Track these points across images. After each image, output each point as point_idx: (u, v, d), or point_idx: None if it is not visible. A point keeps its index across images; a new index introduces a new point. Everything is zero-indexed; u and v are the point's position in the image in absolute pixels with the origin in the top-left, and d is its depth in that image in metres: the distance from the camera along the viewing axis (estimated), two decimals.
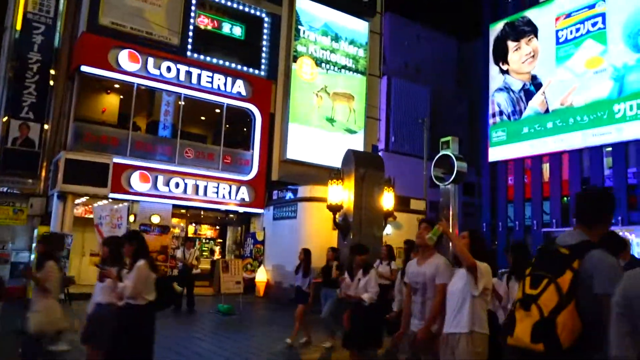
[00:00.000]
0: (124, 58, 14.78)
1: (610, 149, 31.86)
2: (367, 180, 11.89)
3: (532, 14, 37.60)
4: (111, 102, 16.55)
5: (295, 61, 16.88)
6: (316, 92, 17.08)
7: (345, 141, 16.68)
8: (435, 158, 13.96)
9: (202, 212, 17.28)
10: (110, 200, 14.05)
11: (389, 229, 13.43)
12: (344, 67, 17.79)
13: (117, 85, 15.92)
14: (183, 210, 16.90)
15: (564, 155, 34.44)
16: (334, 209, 11.93)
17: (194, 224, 18.46)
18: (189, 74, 15.69)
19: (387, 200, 12.16)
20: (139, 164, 14.78)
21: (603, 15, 32.70)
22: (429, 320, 3.72)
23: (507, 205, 37.92)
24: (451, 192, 14.21)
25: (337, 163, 13.07)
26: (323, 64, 17.42)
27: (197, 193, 15.48)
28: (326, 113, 17.18)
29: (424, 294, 3.86)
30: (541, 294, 2.26)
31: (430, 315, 3.75)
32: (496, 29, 40.32)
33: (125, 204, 13.26)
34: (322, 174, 14.65)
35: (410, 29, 43.39)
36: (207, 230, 18.86)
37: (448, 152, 13.97)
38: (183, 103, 15.93)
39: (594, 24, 33.21)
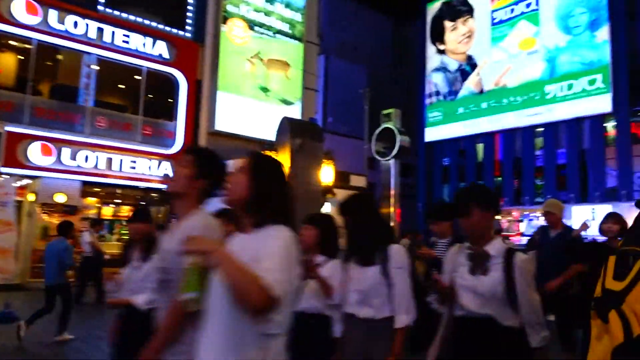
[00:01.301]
0: (21, 8, 12.57)
1: (541, 129, 32.34)
2: (303, 152, 10.60)
3: None
4: (7, 61, 14.19)
5: (225, 22, 15.19)
6: (249, 58, 15.53)
7: (281, 112, 15.29)
8: (377, 131, 12.79)
9: (118, 191, 15.37)
10: (2, 176, 11.94)
11: (328, 207, 12.24)
12: (280, 31, 16.30)
13: (12, 42, 13.61)
14: (97, 189, 14.94)
15: (497, 136, 34.74)
16: None
17: (112, 205, 16.45)
18: (100, 31, 13.67)
19: (326, 174, 10.96)
20: (39, 133, 12.71)
21: None
22: None
23: (442, 186, 37.99)
24: (392, 169, 13.11)
25: (272, 136, 11.69)
26: (256, 27, 15.85)
27: (110, 168, 13.59)
28: (260, 81, 15.68)
29: None
30: (630, 288, 1.22)
31: None
32: (433, 8, 39.93)
33: (8, 177, 11.22)
34: (255, 148, 13.22)
35: (348, 7, 42.29)
36: (128, 212, 16.91)
37: (390, 125, 12.77)
38: (94, 65, 13.90)
39: (527, 5, 33.38)
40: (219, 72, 14.89)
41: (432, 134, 38.03)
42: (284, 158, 10.55)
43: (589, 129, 30.17)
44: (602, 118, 29.48)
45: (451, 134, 36.56)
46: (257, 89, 15.60)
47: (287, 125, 10.80)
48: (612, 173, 29.21)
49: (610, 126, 29.44)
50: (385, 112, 13.83)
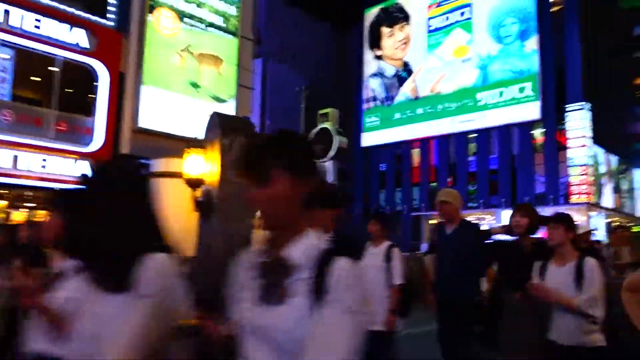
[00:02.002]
0: None
1: (474, 135, 33.04)
2: (236, 150, 9.75)
3: (405, 1, 37.91)
4: None
5: (152, 12, 14.08)
6: (179, 51, 14.48)
7: (213, 110, 14.32)
8: (313, 131, 12.10)
9: (29, 193, 13.82)
10: None
11: None
12: (212, 25, 15.35)
13: None
14: (5, 191, 13.35)
15: (432, 141, 35.21)
16: (194, 184, 9.62)
17: (23, 209, 14.82)
18: (6, 13, 12.20)
19: None
20: None
21: (470, 5, 33.73)
22: None
23: (379, 192, 38.05)
24: (329, 172, 12.45)
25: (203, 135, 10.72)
26: (187, 19, 14.83)
27: (16, 167, 12.12)
28: (190, 77, 14.66)
29: None
30: None
31: None
32: (371, 14, 40.17)
33: None
34: (182, 147, 12.17)
35: (287, 12, 41.74)
36: (44, 217, 15.27)
37: (327, 126, 12.09)
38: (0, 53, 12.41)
39: (462, 14, 34.16)
40: (144, 65, 13.76)
41: (369, 139, 38.12)
42: (213, 157, 9.67)
43: (519, 136, 31.14)
44: (530, 125, 30.49)
45: (388, 139, 36.77)
46: (187, 85, 14.58)
47: (217, 122, 9.91)
48: (539, 179, 30.24)
49: (538, 133, 30.51)
50: (322, 111, 13.18)
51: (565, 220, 3.15)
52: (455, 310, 4.13)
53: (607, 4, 34.12)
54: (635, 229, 26.07)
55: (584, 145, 27.90)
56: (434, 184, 34.24)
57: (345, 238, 2.88)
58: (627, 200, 34.37)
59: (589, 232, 7.14)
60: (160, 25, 14.39)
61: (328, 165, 12.64)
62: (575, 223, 3.23)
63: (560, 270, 3.08)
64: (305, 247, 1.23)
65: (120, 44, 13.94)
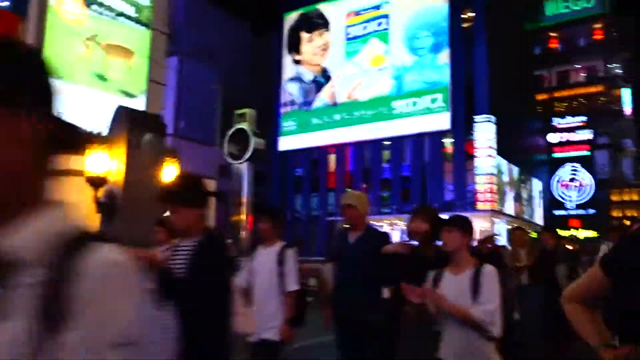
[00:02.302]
0: None
1: (388, 142, 33.89)
2: (142, 147, 9.09)
3: (324, 7, 38.19)
4: None
5: None
6: (84, 40, 13.44)
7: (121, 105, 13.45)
8: (229, 132, 11.62)
9: None
10: None
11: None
12: (122, 14, 14.43)
13: None
14: None
15: (349, 148, 35.71)
16: (97, 183, 8.87)
17: None
18: None
19: (169, 174, 9.54)
20: None
21: (387, 16, 34.63)
22: None
23: (295, 196, 37.94)
24: (245, 174, 12.05)
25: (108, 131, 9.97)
26: (94, 6, 13.83)
27: None
28: (96, 68, 13.66)
29: None
30: None
31: None
32: (291, 18, 40.11)
33: None
34: (87, 144, 11.23)
35: (205, 11, 40.62)
36: None
37: (244, 126, 11.68)
38: None
39: (379, 24, 34.99)
40: (44, 52, 12.65)
41: (286, 143, 37.91)
42: (118, 154, 8.96)
43: (430, 145, 32.36)
44: (441, 135, 31.79)
45: (305, 144, 36.79)
46: (93, 76, 13.58)
47: (124, 116, 9.22)
48: (448, 186, 31.59)
49: (448, 143, 31.87)
50: (239, 111, 12.73)
51: (460, 223, 2.85)
52: (352, 327, 3.69)
53: (513, 23, 36.52)
54: (533, 234, 27.90)
55: (489, 156, 29.44)
56: (350, 189, 34.67)
57: (212, 238, 2.40)
58: (527, 208, 36.75)
59: (492, 236, 7.29)
60: (64, 9, 13.30)
61: (244, 169, 12.20)
62: (471, 226, 2.93)
63: (455, 278, 2.74)
64: (38, 231, 0.70)
65: (16, 28, 12.69)
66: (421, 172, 32.35)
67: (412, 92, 32.58)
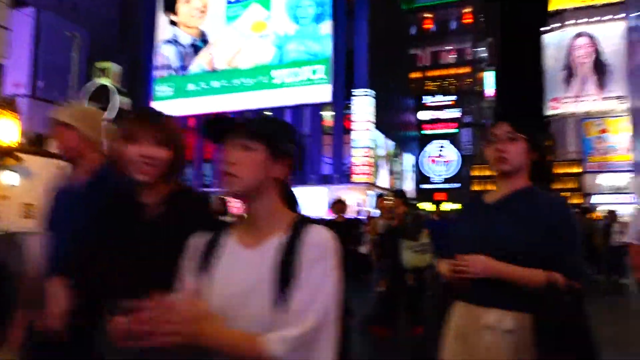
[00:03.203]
0: None
1: (269, 113, 33.18)
2: None
3: None
4: None
5: None
6: None
7: None
8: (88, 86, 10.14)
9: None
10: None
11: (12, 177, 9.01)
12: None
13: None
14: None
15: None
16: None
17: None
18: None
19: (6, 130, 7.94)
20: None
21: None
22: None
23: None
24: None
25: None
26: None
27: None
28: None
29: None
30: None
31: None
32: None
33: None
34: None
35: None
36: None
37: (106, 82, 10.23)
38: None
39: None
40: None
41: (160, 109, 35.32)
42: None
43: (310, 117, 32.21)
44: (321, 107, 31.77)
45: (181, 111, 34.70)
46: None
47: None
48: (326, 159, 31.78)
49: (327, 115, 31.96)
50: (100, 65, 11.13)
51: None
52: None
53: (392, 1, 37.37)
54: (412, 210, 29.20)
55: (367, 130, 30.03)
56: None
57: None
58: (398, 181, 38.42)
59: (338, 202, 6.34)
60: None
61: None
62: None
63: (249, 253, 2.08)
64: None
65: None
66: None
67: (293, 62, 32.04)
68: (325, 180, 30.00)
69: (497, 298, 1.63)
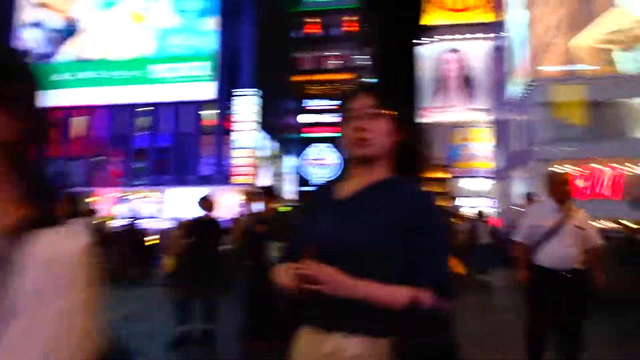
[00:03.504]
0: None
1: (146, 109, 31.42)
2: None
3: None
4: None
5: None
6: None
7: None
8: None
9: None
10: None
11: None
12: None
13: None
14: None
15: (98, 111, 31.91)
16: None
17: None
18: None
19: None
20: None
21: None
22: None
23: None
24: None
25: None
26: None
27: None
28: None
29: None
30: None
31: None
32: None
33: None
34: None
35: None
36: None
37: None
38: None
39: None
40: None
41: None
42: None
43: (191, 115, 30.99)
44: (202, 105, 30.72)
45: (42, 103, 31.52)
46: None
47: None
48: (206, 159, 30.77)
49: (209, 114, 30.98)
50: None
51: None
52: None
53: (278, 3, 37.35)
54: (281, 209, 29.21)
55: (252, 130, 29.63)
56: (99, 157, 31.17)
57: None
58: (279, 184, 38.45)
59: (205, 199, 5.87)
60: None
61: None
62: None
63: None
64: None
65: None
66: (180, 143, 30.83)
67: (176, 56, 30.66)
68: (204, 181, 29.05)
69: (343, 320, 1.32)
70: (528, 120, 28.44)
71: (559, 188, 3.83)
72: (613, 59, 26.68)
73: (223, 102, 30.04)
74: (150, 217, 26.94)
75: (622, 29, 26.43)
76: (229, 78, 29.95)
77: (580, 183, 25.09)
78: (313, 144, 48.54)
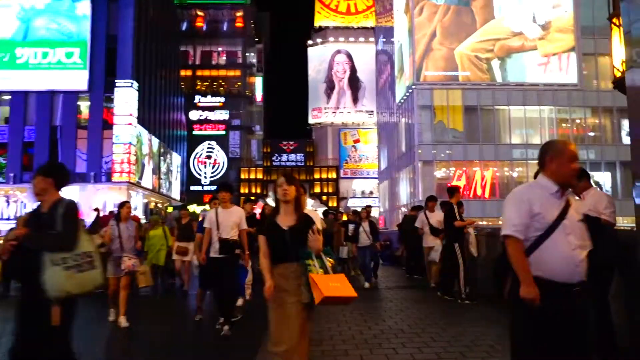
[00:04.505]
0: None
1: (8, 97, 28.11)
2: None
3: None
4: None
5: None
6: None
7: None
8: None
9: None
10: None
11: None
12: None
13: None
14: None
15: None
16: None
17: None
18: None
19: None
20: None
21: None
22: None
23: None
24: None
25: None
26: None
27: None
28: None
29: None
30: None
31: None
32: None
33: None
34: None
35: None
36: None
37: None
38: None
39: None
40: None
41: None
42: None
43: (63, 106, 28.20)
44: (76, 96, 28.09)
45: None
46: None
47: None
48: (82, 155, 28.18)
49: (84, 106, 28.43)
50: None
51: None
52: None
53: None
54: (170, 209, 27.56)
55: (129, 124, 27.62)
56: None
57: None
58: (165, 182, 36.46)
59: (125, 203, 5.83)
60: None
61: None
62: None
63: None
64: None
65: None
66: (50, 137, 27.91)
67: (43, 40, 27.73)
68: (79, 178, 26.56)
69: None
70: (410, 123, 29.56)
71: (567, 165, 2.44)
72: (490, 67, 28.49)
73: (98, 93, 27.69)
74: (8, 219, 24.11)
75: (499, 40, 28.33)
76: (107, 68, 27.68)
77: (460, 184, 26.40)
78: (202, 142, 46.89)
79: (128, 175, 27.35)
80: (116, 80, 27.39)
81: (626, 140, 28.29)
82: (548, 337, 2.35)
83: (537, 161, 2.60)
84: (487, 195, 27.59)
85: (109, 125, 27.76)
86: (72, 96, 27.98)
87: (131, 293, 5.86)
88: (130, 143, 27.52)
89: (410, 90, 29.30)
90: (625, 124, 28.37)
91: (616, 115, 28.39)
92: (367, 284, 8.51)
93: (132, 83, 27.54)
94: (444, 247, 7.40)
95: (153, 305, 7.51)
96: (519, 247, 2.40)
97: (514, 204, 2.50)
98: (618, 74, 6.49)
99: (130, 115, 27.59)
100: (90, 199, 23.46)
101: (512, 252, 2.41)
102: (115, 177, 27.25)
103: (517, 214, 2.44)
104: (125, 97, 27.46)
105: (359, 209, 10.11)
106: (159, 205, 32.81)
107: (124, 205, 6.04)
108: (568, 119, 28.92)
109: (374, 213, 30.54)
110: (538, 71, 28.22)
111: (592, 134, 29.12)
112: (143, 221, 14.23)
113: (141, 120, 28.91)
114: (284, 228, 2.97)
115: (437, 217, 8.16)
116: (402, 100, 31.83)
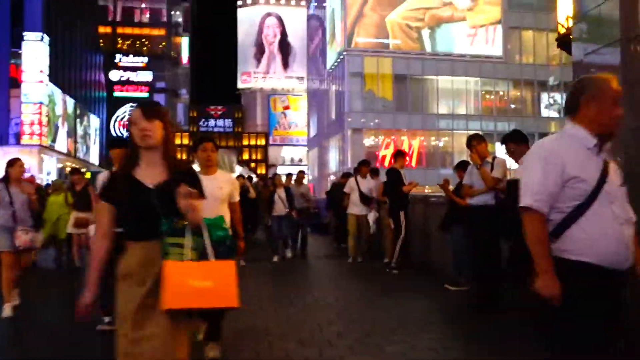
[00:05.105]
0: None
1: None
2: None
3: None
4: None
5: None
6: None
7: None
8: None
9: None
10: None
11: None
12: None
13: None
14: None
15: None
16: None
17: None
18: None
19: None
20: None
21: None
22: None
23: None
24: None
25: None
26: None
27: None
28: None
29: None
30: None
31: None
32: None
33: None
34: None
35: None
36: None
37: None
38: None
39: None
40: None
41: None
42: None
43: None
44: None
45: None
46: None
47: None
48: None
49: None
50: None
51: None
52: None
53: None
54: (87, 175, 25.88)
55: (40, 82, 25.47)
56: None
57: None
58: (81, 145, 34.32)
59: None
60: None
61: None
62: None
63: None
64: None
65: None
66: None
67: None
68: None
69: None
70: (341, 91, 29.33)
71: (610, 109, 1.84)
72: (420, 36, 28.62)
73: (4, 48, 25.22)
74: None
75: (430, 9, 28.42)
76: (13, 20, 25.18)
77: (388, 153, 26.64)
78: (124, 104, 44.39)
79: (39, 138, 25.38)
80: (24, 33, 25.02)
81: (545, 112, 29.65)
82: (594, 338, 1.77)
83: (565, 108, 1.96)
84: (414, 164, 28.07)
85: (17, 84, 25.50)
86: None
87: (21, 274, 4.67)
88: (41, 103, 25.44)
89: (341, 57, 28.96)
90: (544, 97, 29.68)
91: (537, 89, 29.56)
92: (275, 258, 7.78)
93: (42, 36, 25.26)
94: (388, 215, 6.94)
95: (50, 285, 6.32)
96: (539, 223, 1.79)
97: (539, 163, 1.85)
98: (562, 30, 6.42)
99: (41, 72, 25.40)
100: None
101: (531, 230, 1.80)
102: (25, 140, 25.22)
103: (542, 178, 1.81)
104: (35, 52, 25.18)
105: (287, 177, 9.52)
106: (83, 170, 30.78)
107: (14, 163, 4.77)
108: (492, 90, 29.79)
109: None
110: (466, 42, 28.72)
111: (513, 105, 30.22)
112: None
113: (54, 79, 26.75)
114: (149, 186, 1.83)
115: (368, 183, 7.52)
116: (332, 67, 31.46)
